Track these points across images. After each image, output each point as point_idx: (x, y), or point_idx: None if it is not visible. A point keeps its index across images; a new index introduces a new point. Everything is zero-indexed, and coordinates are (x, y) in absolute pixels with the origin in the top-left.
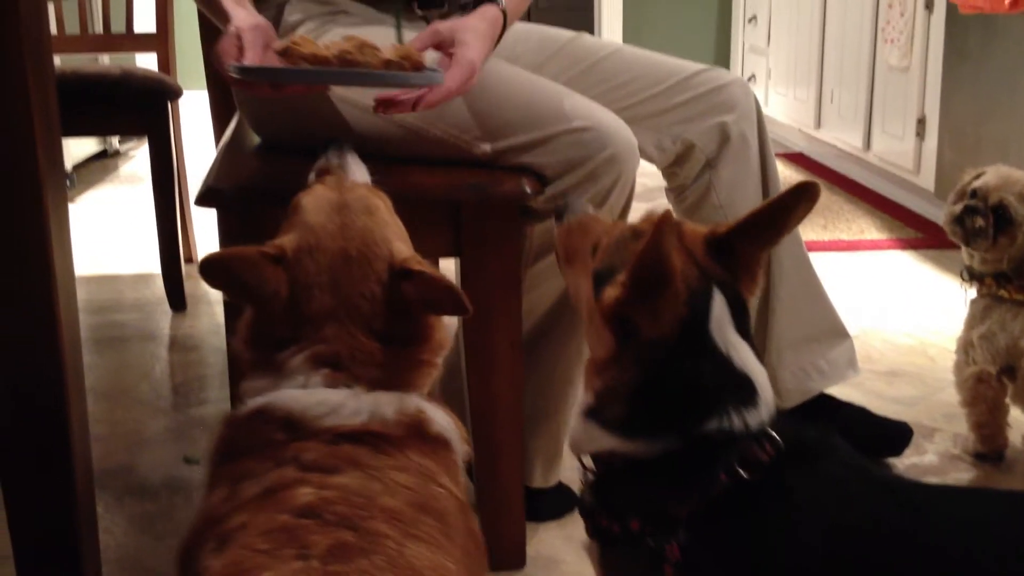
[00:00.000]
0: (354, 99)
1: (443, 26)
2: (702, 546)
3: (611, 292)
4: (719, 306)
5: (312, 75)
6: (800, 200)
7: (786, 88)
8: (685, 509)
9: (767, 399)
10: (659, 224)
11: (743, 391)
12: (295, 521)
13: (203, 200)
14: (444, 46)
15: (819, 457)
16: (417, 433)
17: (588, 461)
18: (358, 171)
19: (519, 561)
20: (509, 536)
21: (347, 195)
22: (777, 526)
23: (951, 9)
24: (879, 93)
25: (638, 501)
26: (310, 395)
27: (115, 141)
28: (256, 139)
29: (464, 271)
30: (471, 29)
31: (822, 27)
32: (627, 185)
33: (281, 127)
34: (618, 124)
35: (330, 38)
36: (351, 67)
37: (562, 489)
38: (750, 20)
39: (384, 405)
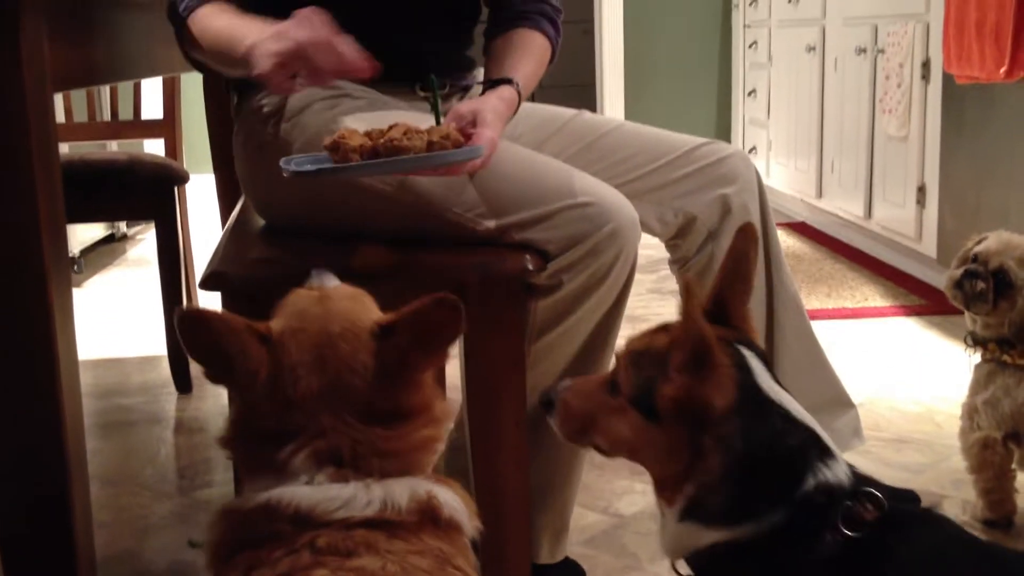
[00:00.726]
0: (361, 181)
1: (464, 107)
2: None
3: (669, 388)
4: (755, 362)
5: (365, 168)
6: (744, 244)
7: (787, 159)
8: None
9: (835, 447)
10: (688, 292)
11: (817, 441)
12: None
13: (207, 284)
14: (464, 126)
15: (919, 519)
16: (430, 518)
17: (681, 566)
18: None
19: None
20: None
21: (329, 290)
22: None
23: (947, 79)
24: (879, 162)
25: None
26: (318, 491)
27: (123, 225)
28: (261, 222)
29: (468, 350)
30: (491, 110)
31: (821, 99)
32: (629, 260)
33: (287, 210)
34: (620, 199)
35: (335, 115)
36: (399, 153)
37: (568, 564)
38: (750, 93)
39: (396, 493)
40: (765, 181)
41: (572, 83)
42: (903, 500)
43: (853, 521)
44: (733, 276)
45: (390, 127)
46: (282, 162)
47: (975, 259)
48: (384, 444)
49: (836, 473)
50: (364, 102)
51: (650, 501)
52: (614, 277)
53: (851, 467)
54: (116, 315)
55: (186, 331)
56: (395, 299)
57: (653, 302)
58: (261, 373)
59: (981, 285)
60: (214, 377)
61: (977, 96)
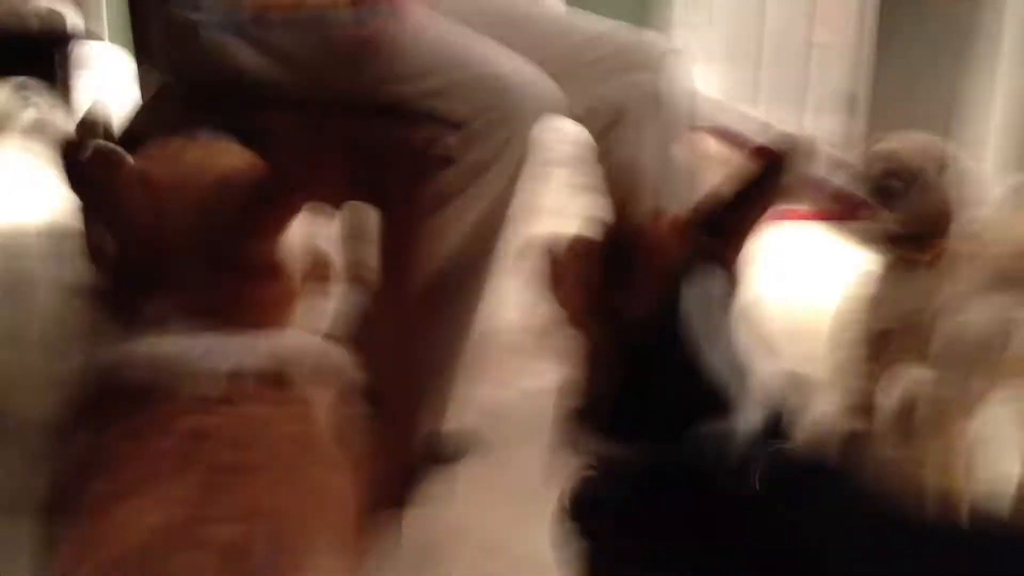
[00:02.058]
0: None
1: None
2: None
3: (592, 280)
4: (704, 286)
5: (280, 25)
6: (787, 163)
7: (722, 64)
8: (676, 519)
9: (766, 397)
10: (623, 200)
11: (737, 384)
12: (182, 444)
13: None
14: None
15: (818, 478)
16: (307, 366)
17: (581, 462)
18: None
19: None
20: (399, 475)
21: (210, 142)
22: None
23: None
24: (812, 71)
25: (628, 509)
26: (182, 341)
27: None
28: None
29: (384, 219)
30: None
31: (759, 5)
32: (528, 135)
33: (199, 76)
34: (529, 73)
35: None
36: (316, 11)
37: (456, 435)
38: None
39: (267, 344)
40: (699, 86)
41: None
42: (817, 465)
43: (746, 472)
44: (751, 192)
45: None
46: (191, 13)
47: (887, 157)
48: (251, 294)
49: (746, 419)
50: None
51: (547, 381)
52: (514, 150)
53: (779, 420)
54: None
55: (87, 166)
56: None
57: (567, 196)
58: (139, 218)
59: (894, 182)
60: (93, 218)
61: (913, 5)
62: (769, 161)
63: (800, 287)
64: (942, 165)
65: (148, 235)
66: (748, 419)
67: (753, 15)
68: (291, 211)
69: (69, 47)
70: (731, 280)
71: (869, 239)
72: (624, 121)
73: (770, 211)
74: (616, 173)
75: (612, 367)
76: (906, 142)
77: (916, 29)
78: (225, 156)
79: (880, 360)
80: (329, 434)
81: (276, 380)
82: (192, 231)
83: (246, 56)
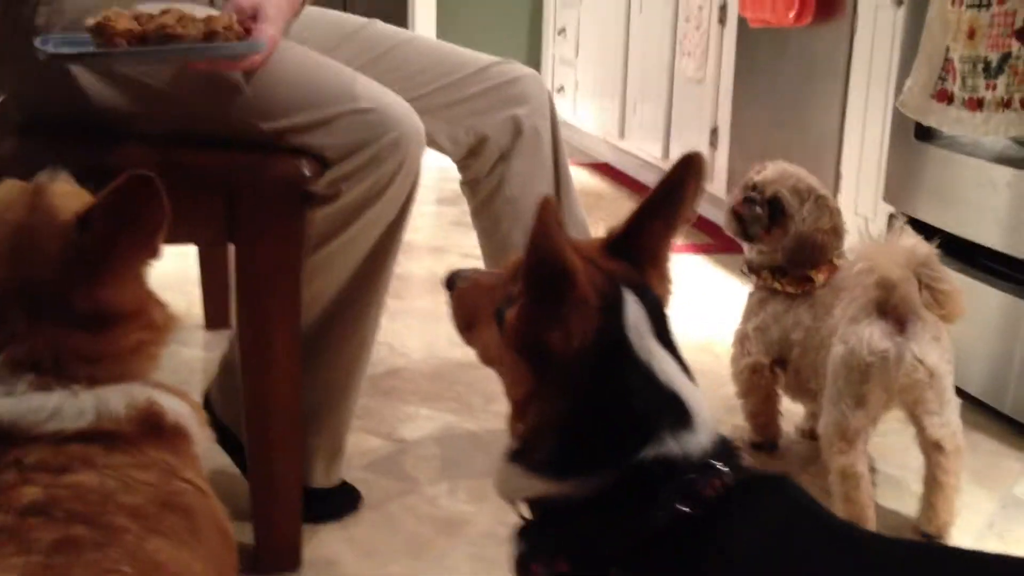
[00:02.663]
0: (126, 72)
1: (244, 0)
2: None
3: (511, 313)
4: (634, 310)
5: (133, 55)
6: (688, 173)
7: (593, 99)
8: (619, 548)
9: (704, 421)
10: (540, 210)
11: (675, 411)
12: (19, 520)
13: None
14: (244, 20)
15: (765, 495)
16: (152, 426)
17: (522, 508)
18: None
19: (294, 563)
20: (284, 537)
21: (44, 184)
22: (715, 571)
23: (742, 24)
24: (677, 104)
25: (569, 542)
26: (20, 402)
27: None
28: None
29: (239, 260)
30: (274, 5)
31: (626, 40)
32: (411, 172)
33: (42, 102)
34: (404, 107)
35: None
36: (172, 41)
37: (345, 489)
38: (560, 32)
39: (110, 401)
40: (571, 121)
41: (382, 9)
42: (767, 481)
43: (692, 497)
44: (659, 207)
45: (162, 12)
46: (37, 42)
47: (753, 187)
48: (90, 348)
49: (685, 446)
50: None
51: (435, 427)
52: (396, 188)
53: (724, 444)
54: None
55: None
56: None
57: (455, 234)
58: None
59: (758, 210)
60: None
61: (767, 40)
62: (683, 172)
63: (689, 319)
64: (805, 195)
65: None
66: (698, 440)
67: (620, 50)
68: (141, 254)
69: None
70: (660, 300)
71: (741, 269)
72: (486, 148)
73: (683, 226)
74: (506, 208)
75: (548, 402)
76: (767, 173)
77: (773, 62)
78: (59, 196)
79: (763, 387)
80: (187, 497)
81: (112, 441)
82: (13, 278)
83: (94, 84)
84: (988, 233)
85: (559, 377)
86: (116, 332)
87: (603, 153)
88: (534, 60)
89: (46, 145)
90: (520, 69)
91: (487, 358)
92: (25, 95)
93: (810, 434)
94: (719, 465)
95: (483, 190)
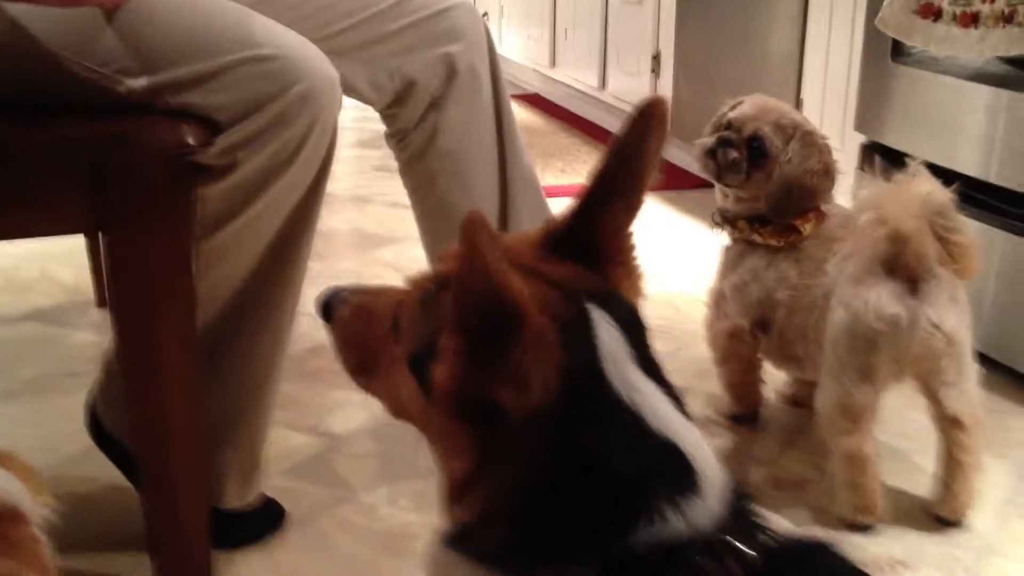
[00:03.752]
0: None
1: None
2: None
3: (441, 370)
4: (606, 332)
5: None
6: (648, 129)
7: (520, 27)
8: None
9: (712, 476)
10: (468, 229)
11: (675, 468)
12: None
13: None
14: None
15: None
16: None
17: None
18: None
19: None
20: (190, 571)
21: None
22: None
23: None
24: (613, 29)
25: None
26: None
27: None
28: None
29: (113, 251)
30: None
31: None
32: (326, 131)
33: None
34: (313, 51)
35: None
36: None
37: (267, 506)
38: None
39: None
40: (497, 50)
41: None
42: (801, 552)
43: None
44: (614, 181)
45: None
46: None
47: (728, 126)
48: None
49: (691, 517)
50: None
51: (368, 417)
52: (308, 152)
53: (739, 503)
54: None
55: None
56: (7, 191)
57: (380, 181)
58: None
59: (734, 154)
60: None
61: None
62: (642, 128)
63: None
64: (790, 132)
65: None
66: (707, 507)
67: None
68: None
69: None
70: (634, 309)
71: (714, 219)
72: (414, 93)
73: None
74: (441, 163)
75: (498, 479)
76: (744, 108)
77: None
78: None
79: (743, 353)
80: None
81: None
82: None
83: None
84: (969, 161)
85: (514, 444)
86: None
87: (532, 83)
88: None
89: None
90: (455, 4)
91: (398, 412)
92: None
93: (793, 400)
94: (736, 541)
95: (413, 143)
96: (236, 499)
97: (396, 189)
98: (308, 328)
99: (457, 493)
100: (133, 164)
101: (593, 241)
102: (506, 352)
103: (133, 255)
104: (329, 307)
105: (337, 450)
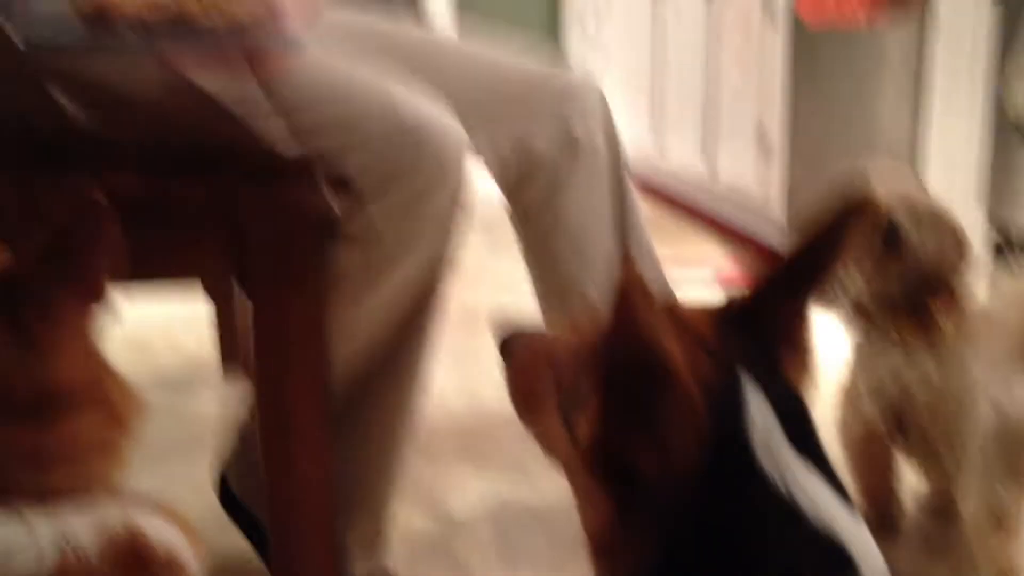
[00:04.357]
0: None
1: None
2: None
3: (583, 421)
4: (759, 412)
5: (146, 44)
6: (855, 221)
7: (624, 114)
8: None
9: (873, 565)
10: (623, 283)
11: (828, 557)
12: None
13: None
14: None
15: None
16: (134, 561)
17: None
18: None
19: None
20: None
21: None
22: None
23: (796, 26)
24: (721, 115)
25: None
26: None
27: None
28: None
29: (255, 313)
30: (294, 1)
31: (661, 49)
32: (460, 198)
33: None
34: (449, 123)
35: None
36: (191, 31)
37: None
38: (586, 40)
39: (75, 531)
40: (617, 127)
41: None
42: None
43: None
44: (805, 264)
45: None
46: (10, 31)
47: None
48: (37, 446)
49: None
50: None
51: (487, 499)
52: (442, 219)
53: None
54: None
55: None
56: (154, 243)
57: (491, 260)
58: None
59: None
60: None
61: (827, 42)
62: (844, 222)
63: None
64: (923, 215)
65: None
66: None
67: (650, 59)
68: (82, 298)
69: None
70: (799, 396)
71: (838, 310)
72: (537, 169)
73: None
74: (564, 243)
75: (637, 547)
76: (872, 185)
77: (832, 65)
78: None
79: (880, 457)
80: None
81: None
82: None
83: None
84: None
85: (650, 510)
86: (67, 420)
87: (639, 168)
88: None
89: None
90: (573, 75)
91: (550, 456)
92: None
93: (937, 506)
94: None
95: (536, 222)
96: (361, 571)
97: (507, 268)
98: (428, 408)
99: (596, 549)
100: (279, 228)
101: (768, 321)
102: (650, 413)
103: (273, 317)
104: (506, 347)
105: (456, 534)
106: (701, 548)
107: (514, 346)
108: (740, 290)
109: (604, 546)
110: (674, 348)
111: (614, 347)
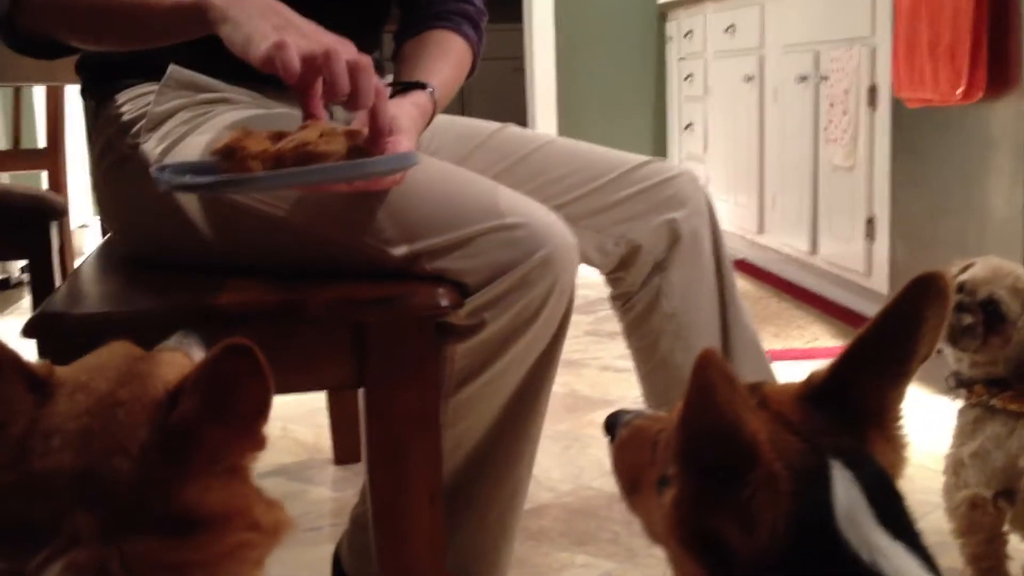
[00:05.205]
0: (239, 199)
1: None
2: None
3: (667, 495)
4: (845, 489)
5: (277, 179)
6: (925, 300)
7: (726, 194)
8: None
9: None
10: (700, 363)
11: None
12: None
13: (30, 329)
14: (380, 135)
15: None
16: None
17: None
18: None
19: None
20: None
21: (156, 353)
22: None
23: (895, 104)
24: (824, 195)
25: None
26: None
27: (15, 269)
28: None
29: (369, 405)
30: (406, 115)
31: (760, 131)
32: (565, 292)
33: (150, 239)
34: (553, 220)
35: (212, 125)
36: (314, 161)
37: None
38: (686, 127)
39: None
40: (717, 215)
41: (499, 112)
42: None
43: None
44: (882, 345)
45: (301, 127)
46: (153, 171)
47: (961, 289)
48: (174, 556)
49: None
50: (249, 109)
51: None
52: (548, 313)
53: None
54: None
55: None
56: (282, 350)
57: (591, 346)
58: (14, 426)
59: (969, 319)
60: None
61: (929, 121)
62: (917, 299)
63: None
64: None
65: (20, 455)
66: None
67: (754, 142)
68: (241, 445)
69: (49, 223)
70: (887, 475)
71: (948, 383)
72: (639, 258)
73: (919, 362)
74: (665, 324)
75: None
76: (976, 271)
77: (936, 143)
78: (164, 366)
79: (986, 524)
80: None
81: None
82: (82, 464)
83: (207, 218)
84: None
85: None
86: (207, 538)
87: (740, 249)
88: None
89: (149, 287)
90: (672, 168)
91: (651, 534)
92: (132, 233)
93: None
94: None
95: (637, 305)
96: None
97: (609, 352)
98: (533, 489)
99: None
100: (393, 324)
101: (855, 400)
102: (736, 491)
103: (389, 409)
104: (613, 427)
105: None
106: None
107: (618, 424)
108: (821, 368)
109: None
110: (756, 424)
111: (690, 424)
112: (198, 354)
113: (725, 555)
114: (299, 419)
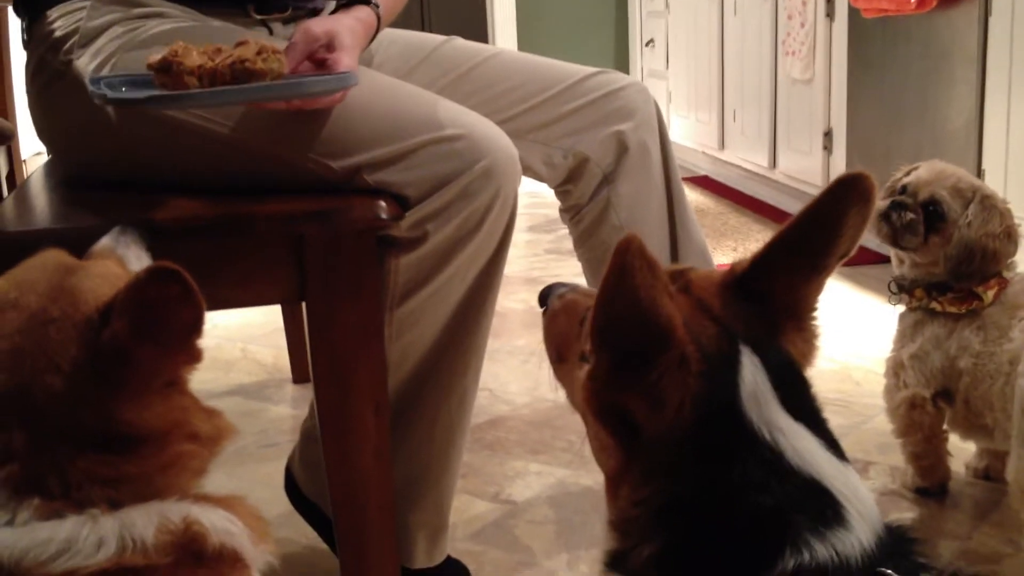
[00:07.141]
0: (181, 115)
1: (316, 26)
2: None
3: (584, 372)
4: (752, 373)
5: (211, 97)
6: (849, 199)
7: (688, 111)
8: None
9: (863, 511)
10: (621, 246)
11: (818, 503)
12: None
13: None
14: (316, 49)
15: None
16: (192, 552)
17: None
18: (138, 262)
19: None
20: None
21: (89, 261)
22: None
23: (853, 17)
24: (783, 109)
25: None
26: (24, 534)
27: None
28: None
29: (312, 319)
30: (348, 31)
31: (720, 46)
32: (508, 203)
33: (87, 156)
34: (494, 131)
35: (147, 40)
36: (252, 78)
37: (449, 565)
38: (647, 44)
39: (137, 525)
40: (667, 126)
41: (458, 25)
42: None
43: None
44: (804, 240)
45: (237, 44)
46: (90, 84)
47: (903, 190)
48: (109, 471)
49: (840, 547)
50: (177, 21)
51: (547, 484)
52: (490, 224)
53: (895, 538)
54: None
55: None
56: (223, 264)
57: (551, 263)
58: None
59: (911, 216)
60: None
61: (885, 31)
62: (841, 197)
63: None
64: (968, 195)
65: None
66: (856, 539)
67: (715, 57)
68: (174, 362)
69: None
70: (793, 362)
71: (890, 288)
72: (587, 170)
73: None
74: (614, 236)
75: (641, 487)
76: (919, 173)
77: (892, 54)
78: (94, 279)
79: (925, 423)
80: None
81: (163, 573)
82: (12, 381)
83: (144, 134)
84: None
85: (652, 457)
86: (146, 452)
87: (702, 165)
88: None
89: (88, 205)
90: (621, 79)
91: (573, 404)
92: (69, 152)
93: (984, 473)
94: (890, 572)
95: (586, 218)
96: (425, 559)
97: (569, 269)
98: (487, 402)
99: (610, 490)
100: (333, 238)
101: (773, 291)
102: (647, 369)
103: (331, 322)
104: (546, 298)
105: (516, 516)
106: (694, 495)
107: (552, 295)
108: (744, 259)
109: (615, 484)
110: (671, 308)
111: (606, 305)
112: (135, 252)
113: (635, 429)
114: (258, 339)
